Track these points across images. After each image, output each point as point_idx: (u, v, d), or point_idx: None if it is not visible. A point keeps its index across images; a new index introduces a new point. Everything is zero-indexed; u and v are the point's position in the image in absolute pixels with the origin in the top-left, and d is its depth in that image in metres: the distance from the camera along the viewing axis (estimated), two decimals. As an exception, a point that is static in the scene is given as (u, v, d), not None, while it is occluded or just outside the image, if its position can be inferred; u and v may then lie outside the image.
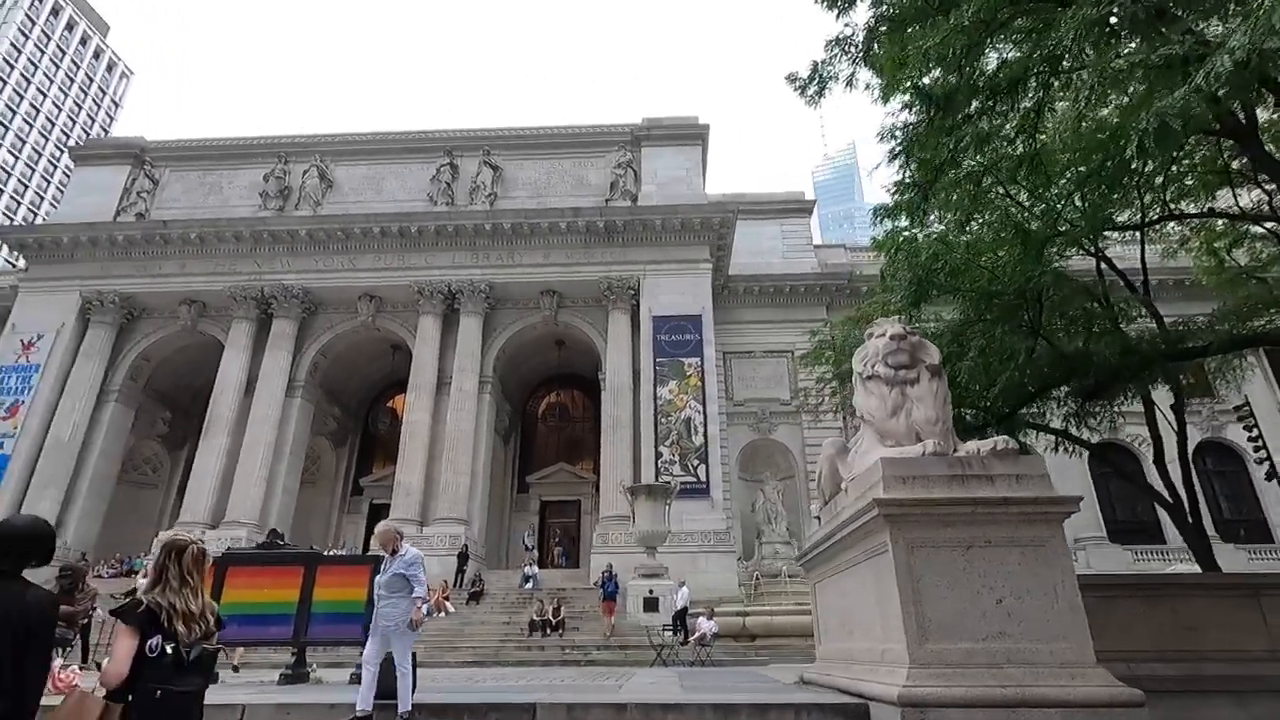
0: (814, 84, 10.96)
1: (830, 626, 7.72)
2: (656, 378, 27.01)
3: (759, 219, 34.31)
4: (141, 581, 14.66)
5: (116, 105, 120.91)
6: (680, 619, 18.61)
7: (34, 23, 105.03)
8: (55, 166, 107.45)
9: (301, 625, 8.29)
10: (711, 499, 25.12)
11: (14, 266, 57.43)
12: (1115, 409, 13.31)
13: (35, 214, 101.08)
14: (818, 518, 8.12)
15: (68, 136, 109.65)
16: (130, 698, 3.01)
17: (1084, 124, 9.33)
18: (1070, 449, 13.16)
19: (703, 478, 25.37)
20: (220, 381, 27.91)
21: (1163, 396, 13.30)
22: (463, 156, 31.95)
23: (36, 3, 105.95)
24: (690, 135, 32.03)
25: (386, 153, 32.70)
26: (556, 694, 6.60)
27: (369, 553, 16.20)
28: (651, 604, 19.85)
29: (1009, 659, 4.95)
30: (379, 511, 33.04)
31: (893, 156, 9.12)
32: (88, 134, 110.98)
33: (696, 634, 16.07)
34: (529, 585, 23.49)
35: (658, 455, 25.79)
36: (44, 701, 2.97)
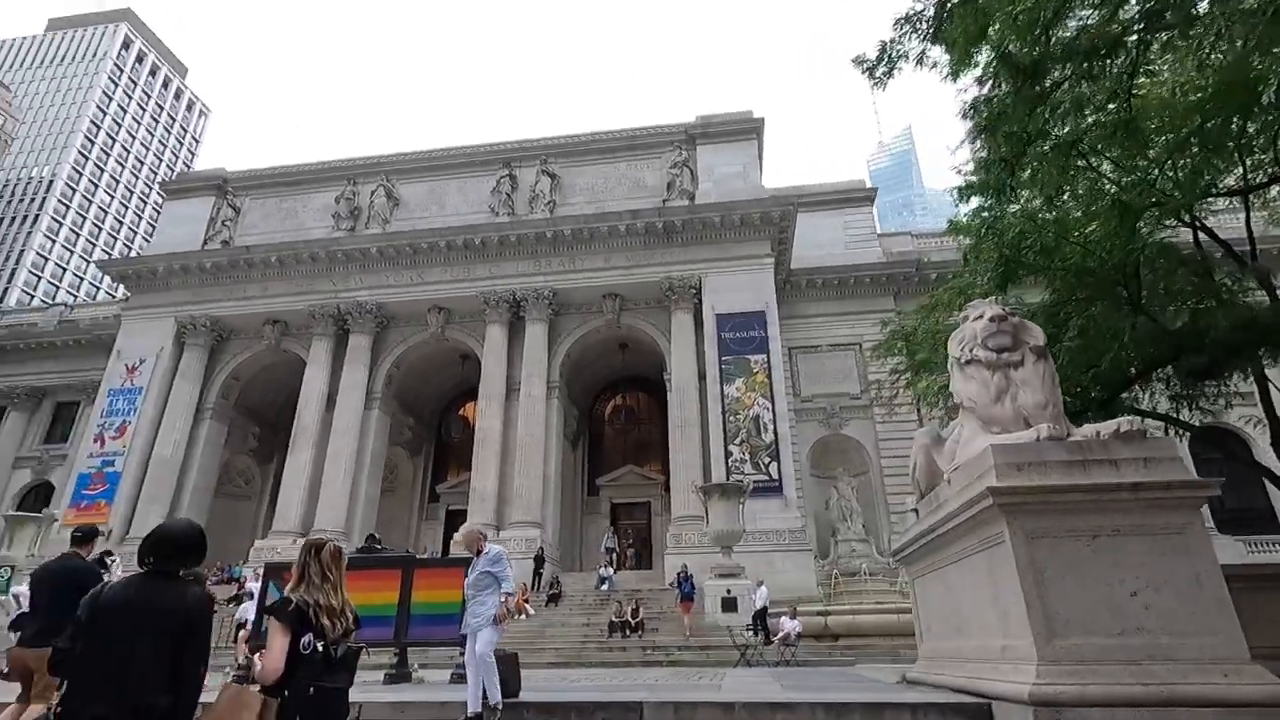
0: (882, 64, 10.64)
1: (934, 623, 7.42)
2: (723, 376, 26.78)
3: (819, 210, 33.65)
4: (251, 586, 15.47)
5: (196, 141, 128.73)
6: (760, 619, 18.34)
7: (121, 70, 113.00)
8: (145, 202, 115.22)
9: (402, 626, 8.56)
10: (785, 497, 24.70)
11: (113, 297, 62.31)
12: (1228, 389, 12.38)
13: (130, 248, 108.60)
14: (914, 510, 7.83)
15: (154, 174, 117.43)
16: (285, 693, 3.12)
17: (1187, 83, 8.73)
18: (1180, 434, 12.30)
19: (775, 475, 24.98)
20: (304, 396, 29.24)
21: (1276, 375, 12.29)
22: (520, 167, 32.56)
23: (123, 51, 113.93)
24: (745, 130, 31.69)
25: (447, 168, 33.64)
26: (658, 693, 6.56)
27: (451, 556, 16.58)
28: (729, 604, 19.65)
29: (1149, 655, 4.62)
30: (455, 517, 33.95)
31: (979, 131, 8.70)
32: (172, 170, 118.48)
33: (780, 634, 15.80)
34: (604, 587, 23.63)
35: (728, 454, 25.55)
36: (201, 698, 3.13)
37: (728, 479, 24.33)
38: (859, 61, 10.78)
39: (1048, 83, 8.25)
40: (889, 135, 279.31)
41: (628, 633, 19.07)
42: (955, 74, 10.75)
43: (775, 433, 25.67)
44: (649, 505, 32.96)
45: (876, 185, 40.04)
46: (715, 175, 30.75)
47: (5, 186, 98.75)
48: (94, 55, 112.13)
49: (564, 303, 30.00)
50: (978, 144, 12.56)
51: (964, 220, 12.34)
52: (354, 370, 29.49)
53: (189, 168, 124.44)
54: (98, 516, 27.56)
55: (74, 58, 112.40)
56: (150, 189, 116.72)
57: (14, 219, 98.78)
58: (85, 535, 6.26)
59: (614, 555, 27.17)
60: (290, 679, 3.12)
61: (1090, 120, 9.39)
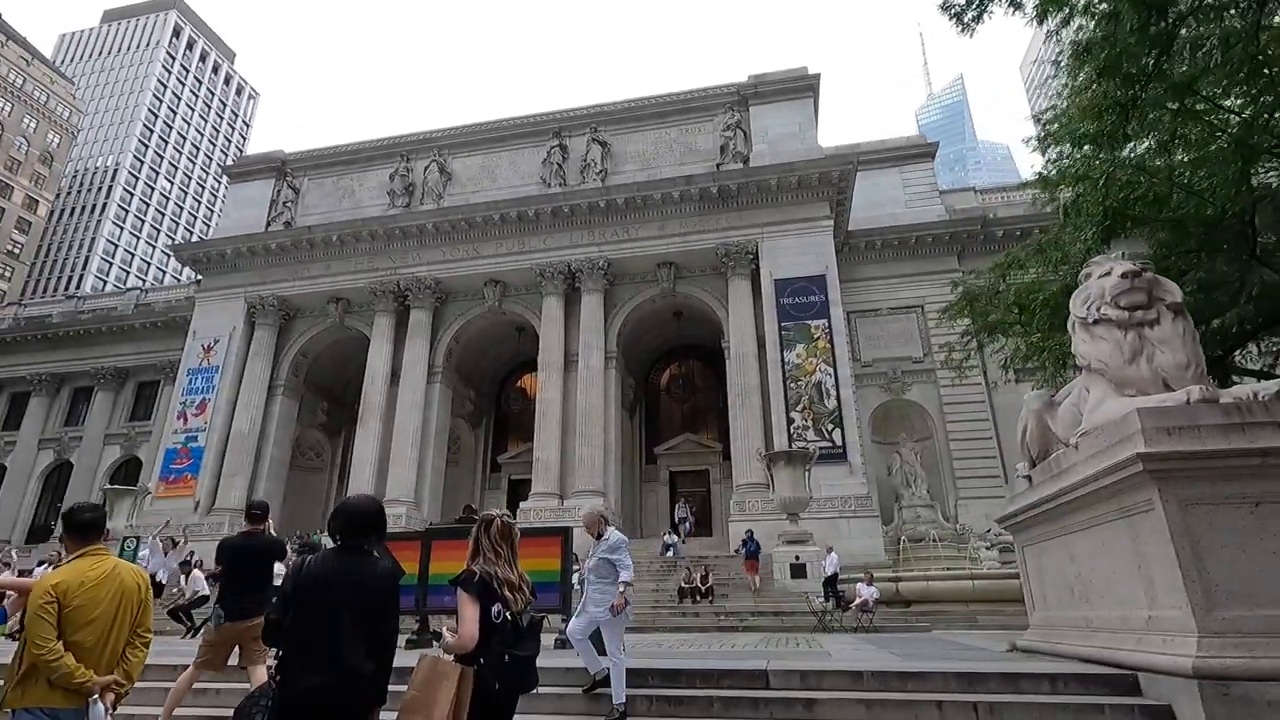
0: (972, 8, 10.12)
1: (1051, 592, 7.21)
2: (783, 343, 26.40)
3: (875, 168, 32.56)
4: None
5: (247, 125, 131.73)
6: (831, 585, 18.30)
7: (174, 58, 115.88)
8: (203, 187, 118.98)
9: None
10: (849, 463, 24.40)
11: (178, 280, 64.91)
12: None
13: (191, 232, 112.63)
14: (1025, 478, 7.58)
15: (209, 159, 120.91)
16: (480, 661, 3.19)
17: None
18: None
19: (838, 442, 24.66)
20: (369, 372, 30.05)
21: None
22: (571, 136, 32.29)
23: (174, 39, 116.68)
24: (800, 88, 30.66)
25: (498, 140, 33.59)
26: (779, 661, 6.56)
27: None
28: (799, 570, 19.66)
29: (1325, 627, 4.38)
30: (517, 486, 34.71)
31: (1099, 73, 8.12)
32: (225, 154, 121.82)
33: (858, 600, 15.73)
34: (670, 553, 23.89)
35: (789, 421, 25.30)
36: (396, 664, 3.23)
37: (790, 446, 24.16)
38: (946, 7, 10.27)
39: (1172, 18, 7.64)
40: (938, 86, 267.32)
41: (697, 598, 19.27)
42: (1041, 17, 10.14)
43: (838, 398, 25.27)
44: (707, 473, 33.04)
45: (928, 139, 38.39)
46: (770, 136, 29.94)
47: (75, 178, 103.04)
48: (147, 44, 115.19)
49: (618, 272, 29.90)
50: (1064, 91, 11.86)
51: (1055, 171, 11.71)
52: (416, 345, 30.11)
53: (241, 152, 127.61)
54: (185, 489, 29.17)
55: (129, 48, 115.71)
56: (206, 174, 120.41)
57: (85, 208, 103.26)
58: (262, 512, 6.41)
59: (687, 524, 27.45)
60: (483, 648, 3.19)
61: (1210, 60, 8.72)
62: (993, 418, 28.08)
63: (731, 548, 22.73)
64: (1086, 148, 9.57)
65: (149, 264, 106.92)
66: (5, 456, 38.89)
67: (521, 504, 26.54)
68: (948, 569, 21.39)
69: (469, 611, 3.21)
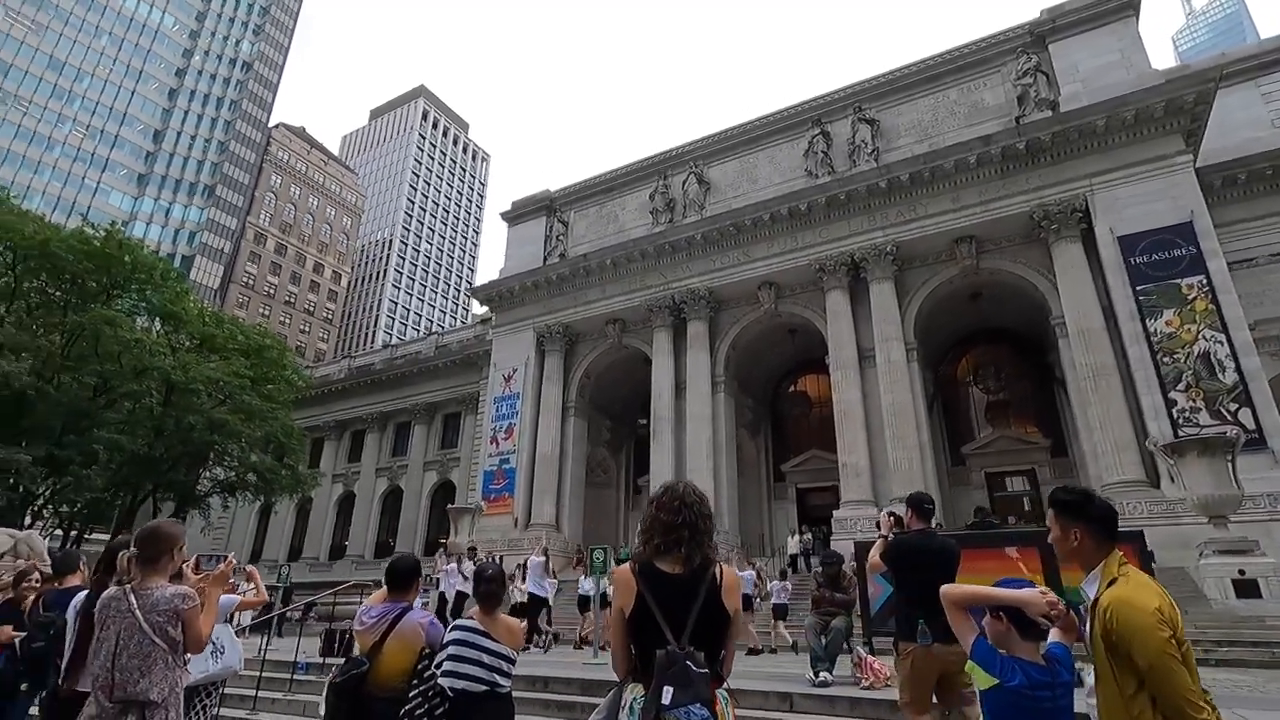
0: None
1: None
2: (1142, 310, 21.79)
3: (1220, 87, 26.16)
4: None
5: (483, 185, 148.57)
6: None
7: (424, 138, 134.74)
8: (454, 245, 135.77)
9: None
10: (1272, 452, 19.16)
11: (442, 328, 73.32)
12: None
13: (448, 285, 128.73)
14: None
15: (457, 220, 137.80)
16: None
17: None
18: None
19: (1249, 425, 19.51)
20: (655, 387, 30.50)
21: None
22: (832, 121, 30.39)
23: (423, 121, 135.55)
24: (1115, 9, 25.64)
25: (751, 141, 32.76)
26: None
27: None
28: (1247, 587, 15.42)
29: None
30: (804, 496, 33.13)
31: None
32: (469, 215, 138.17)
33: None
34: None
35: (1169, 403, 20.63)
36: None
37: (1175, 434, 19.69)
38: None
39: None
40: (1199, 1, 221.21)
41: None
42: None
43: (1240, 371, 20.10)
44: (1032, 473, 28.59)
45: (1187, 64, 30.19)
46: (1082, 73, 25.39)
47: (362, 252, 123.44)
48: (403, 131, 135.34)
49: (907, 256, 27.20)
50: None
51: None
52: (697, 356, 30.01)
53: (479, 210, 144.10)
54: (504, 508, 31.74)
55: (391, 136, 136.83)
56: (455, 233, 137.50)
57: (370, 277, 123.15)
58: (931, 507, 5.24)
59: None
60: None
61: None
62: None
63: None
64: None
65: (420, 316, 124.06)
66: (353, 484, 46.10)
67: (835, 514, 24.79)
68: None
69: None
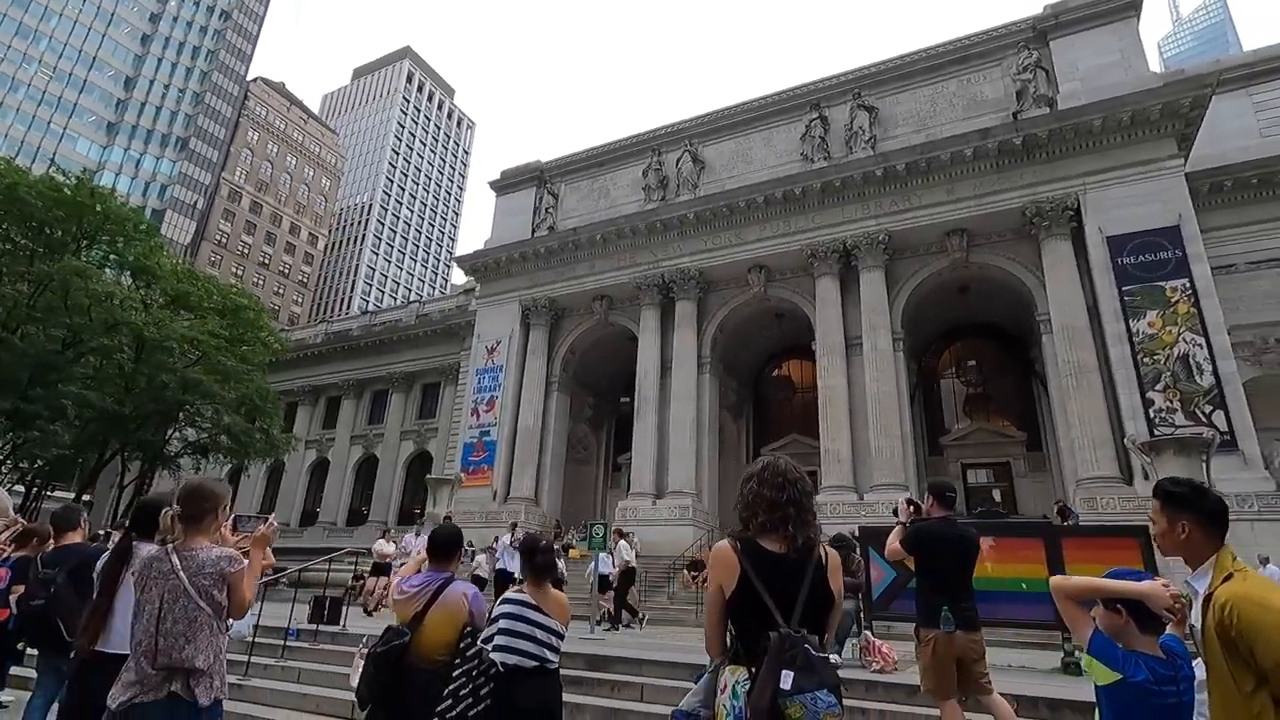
0: None
1: None
2: (1126, 310, 22.19)
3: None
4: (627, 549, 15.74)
5: (467, 154, 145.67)
6: None
7: (408, 101, 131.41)
8: (435, 214, 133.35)
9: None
10: (1243, 454, 19.71)
11: (421, 298, 72.20)
12: None
13: (429, 253, 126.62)
14: None
15: (438, 186, 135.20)
16: None
17: None
18: None
19: (1223, 426, 20.07)
20: (641, 366, 30.39)
21: None
22: (830, 106, 30.20)
23: (407, 84, 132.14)
24: (1117, 9, 25.74)
25: (749, 122, 32.47)
26: None
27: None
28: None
29: None
30: (783, 480, 33.37)
31: None
32: (451, 182, 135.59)
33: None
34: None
35: (1146, 403, 21.12)
36: None
37: (1150, 433, 20.20)
38: None
39: None
40: (1186, 8, 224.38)
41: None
42: None
43: (1216, 374, 20.61)
44: (1007, 466, 29.21)
45: (1182, 69, 30.63)
46: (1081, 71, 25.51)
47: (340, 215, 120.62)
48: (387, 93, 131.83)
49: (899, 246, 27.30)
50: None
51: None
52: (684, 336, 29.93)
53: (463, 178, 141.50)
54: (484, 480, 31.53)
55: (374, 97, 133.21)
56: (437, 200, 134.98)
57: (348, 241, 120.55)
58: (953, 495, 5.24)
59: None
60: None
61: None
62: None
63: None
64: None
65: (398, 284, 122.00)
66: (327, 451, 45.45)
67: (815, 498, 25.00)
68: None
69: None
